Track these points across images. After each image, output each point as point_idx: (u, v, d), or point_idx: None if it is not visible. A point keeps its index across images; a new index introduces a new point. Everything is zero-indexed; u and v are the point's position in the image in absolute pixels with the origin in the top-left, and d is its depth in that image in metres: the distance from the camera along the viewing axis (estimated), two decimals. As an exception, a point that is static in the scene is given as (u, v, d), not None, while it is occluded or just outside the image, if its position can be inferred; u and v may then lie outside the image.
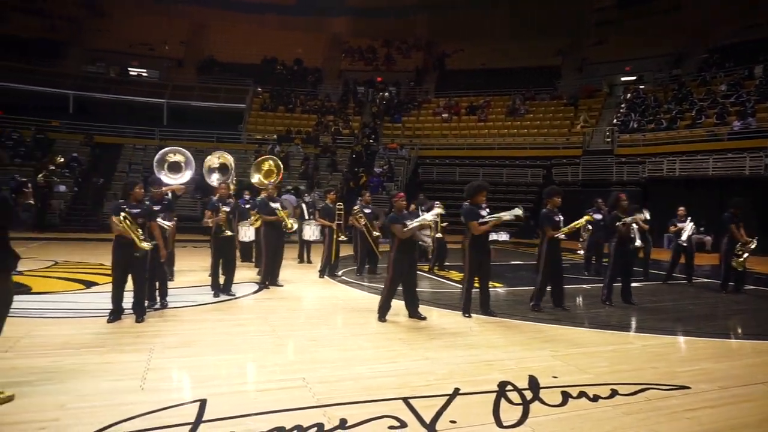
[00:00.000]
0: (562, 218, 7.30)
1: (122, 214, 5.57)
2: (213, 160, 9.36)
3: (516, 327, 6.38)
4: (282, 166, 9.97)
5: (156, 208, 6.50)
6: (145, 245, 5.66)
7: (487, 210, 6.78)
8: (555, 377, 4.48)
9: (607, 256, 8.22)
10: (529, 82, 29.01)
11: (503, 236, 12.45)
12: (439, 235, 10.22)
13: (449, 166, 24.72)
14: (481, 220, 6.57)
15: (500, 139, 25.58)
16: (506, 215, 6.52)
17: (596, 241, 11.02)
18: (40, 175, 17.37)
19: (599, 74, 28.65)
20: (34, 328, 5.55)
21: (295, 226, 8.83)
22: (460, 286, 7.02)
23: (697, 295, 9.06)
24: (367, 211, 10.23)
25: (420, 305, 6.70)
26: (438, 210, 7.06)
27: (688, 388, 4.32)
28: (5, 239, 3.72)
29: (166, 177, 7.78)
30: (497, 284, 9.30)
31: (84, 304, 6.87)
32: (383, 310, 6.48)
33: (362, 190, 16.70)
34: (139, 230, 5.69)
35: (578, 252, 12.29)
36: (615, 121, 23.98)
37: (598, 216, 10.49)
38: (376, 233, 10.10)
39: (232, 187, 8.86)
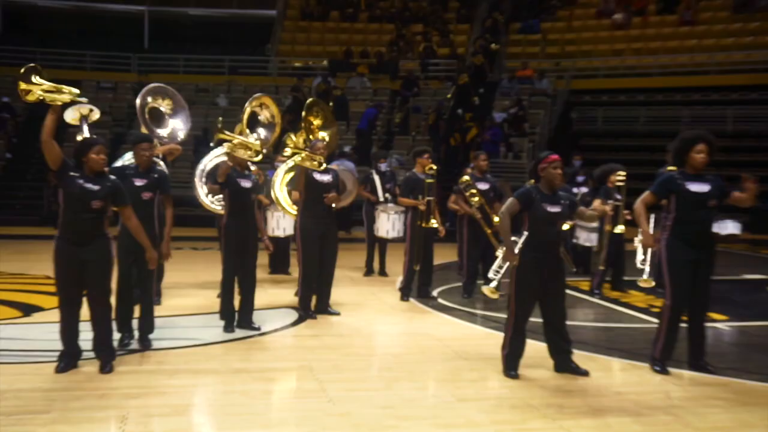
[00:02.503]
0: None
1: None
2: (257, 108, 6.67)
3: (753, 392, 4.07)
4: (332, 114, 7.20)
5: (140, 183, 4.50)
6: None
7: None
8: None
9: None
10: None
11: (730, 228, 8.71)
12: (619, 229, 6.81)
13: (627, 107, 16.31)
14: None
15: (721, 56, 16.11)
16: None
17: None
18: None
19: None
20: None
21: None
22: (651, 318, 4.70)
23: None
24: (482, 186, 6.84)
25: (575, 350, 4.36)
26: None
27: None
28: None
29: (152, 131, 5.63)
30: (717, 315, 6.46)
31: (20, 342, 5.18)
32: (509, 358, 4.16)
33: (472, 151, 12.04)
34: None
35: None
36: None
37: None
38: (497, 220, 6.70)
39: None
